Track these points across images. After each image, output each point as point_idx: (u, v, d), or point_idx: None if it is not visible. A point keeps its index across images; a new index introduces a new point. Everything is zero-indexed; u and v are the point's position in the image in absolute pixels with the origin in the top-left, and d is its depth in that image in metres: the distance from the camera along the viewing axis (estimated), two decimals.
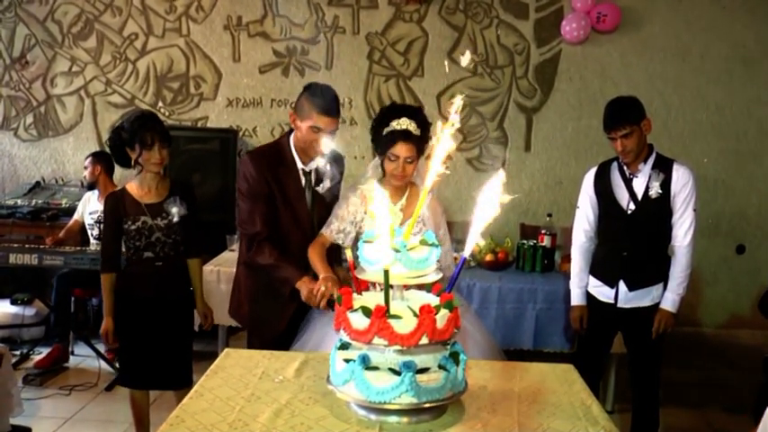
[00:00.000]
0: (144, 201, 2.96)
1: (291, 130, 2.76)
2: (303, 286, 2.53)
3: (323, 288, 2.43)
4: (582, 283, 3.20)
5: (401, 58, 5.22)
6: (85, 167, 4.49)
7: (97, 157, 4.47)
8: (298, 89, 5.39)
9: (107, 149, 3.17)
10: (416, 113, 2.58)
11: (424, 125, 2.55)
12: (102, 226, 3.54)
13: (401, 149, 2.50)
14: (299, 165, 2.72)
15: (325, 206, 2.76)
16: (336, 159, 2.82)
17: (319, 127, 2.57)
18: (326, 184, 2.74)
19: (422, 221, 2.61)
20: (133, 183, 3.01)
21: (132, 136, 2.89)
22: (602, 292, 3.14)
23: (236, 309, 2.93)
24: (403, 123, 2.51)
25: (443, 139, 1.79)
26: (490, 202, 1.77)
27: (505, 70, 5.18)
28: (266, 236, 2.64)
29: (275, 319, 2.75)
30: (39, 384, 4.05)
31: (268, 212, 2.67)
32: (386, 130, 2.53)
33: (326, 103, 2.59)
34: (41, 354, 4.36)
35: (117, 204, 2.96)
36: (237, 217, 2.75)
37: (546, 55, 5.15)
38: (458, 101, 1.79)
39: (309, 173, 2.74)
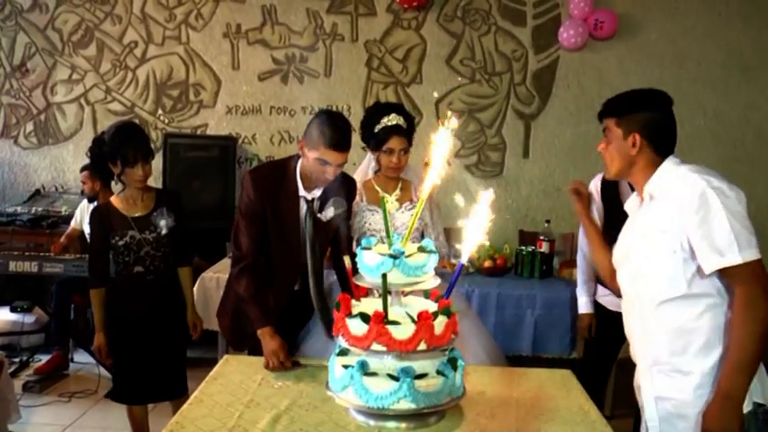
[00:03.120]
0: (130, 214, 2.87)
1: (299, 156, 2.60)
2: (264, 339, 2.41)
3: (273, 363, 2.35)
4: (589, 291, 3.20)
5: (399, 65, 5.24)
6: (83, 182, 4.42)
7: (93, 171, 4.28)
8: (297, 96, 5.41)
9: (90, 164, 3.06)
10: (402, 109, 2.86)
11: (410, 119, 2.85)
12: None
13: (395, 143, 2.76)
14: (302, 192, 2.58)
15: (327, 235, 2.66)
16: (346, 184, 2.69)
17: (326, 161, 2.41)
18: (329, 212, 2.61)
19: (417, 202, 2.80)
20: (118, 196, 2.92)
21: (114, 152, 2.78)
22: (610, 301, 3.13)
23: (220, 314, 2.87)
24: (393, 119, 2.77)
25: (439, 150, 1.84)
26: (481, 218, 1.83)
27: (503, 77, 5.20)
28: (250, 262, 2.55)
29: (248, 335, 2.66)
30: (38, 391, 4.05)
31: (260, 238, 2.57)
32: (377, 127, 2.78)
33: (337, 136, 2.41)
34: (41, 361, 4.36)
35: (103, 219, 2.86)
36: (233, 230, 2.64)
37: (544, 62, 5.17)
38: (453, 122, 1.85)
39: (311, 201, 2.60)
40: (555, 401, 2.03)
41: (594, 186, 3.17)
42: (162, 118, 5.38)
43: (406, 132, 2.79)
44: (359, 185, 2.85)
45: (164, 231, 2.89)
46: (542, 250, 4.09)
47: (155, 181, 3.01)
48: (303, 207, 2.60)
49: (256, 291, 2.52)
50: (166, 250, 2.93)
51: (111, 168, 2.85)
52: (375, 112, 2.85)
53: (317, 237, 2.61)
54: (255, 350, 2.60)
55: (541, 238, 4.15)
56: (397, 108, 2.86)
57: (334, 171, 2.47)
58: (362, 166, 3.06)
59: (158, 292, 2.94)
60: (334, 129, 2.42)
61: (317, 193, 2.60)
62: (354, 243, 2.80)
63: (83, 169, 4.47)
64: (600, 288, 3.17)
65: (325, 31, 5.24)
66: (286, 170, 2.61)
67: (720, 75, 5.07)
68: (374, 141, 2.80)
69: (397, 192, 2.87)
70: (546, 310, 3.75)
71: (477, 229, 1.83)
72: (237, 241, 2.60)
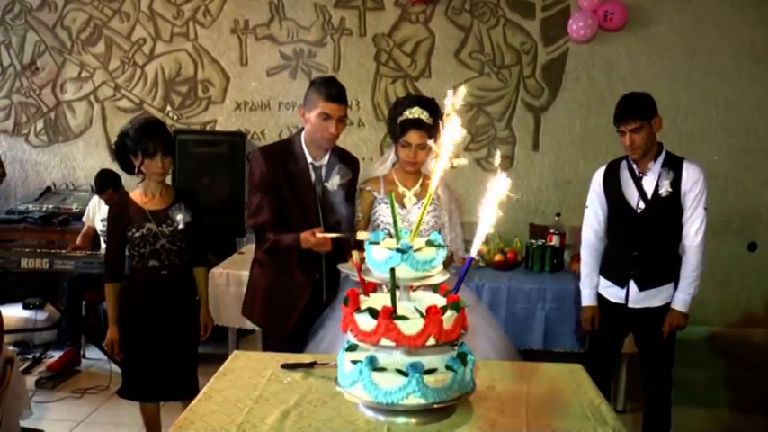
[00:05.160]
0: (148, 207, 2.94)
1: (302, 129, 2.80)
2: (307, 239, 2.61)
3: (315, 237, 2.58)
4: (592, 284, 3.18)
5: (408, 59, 5.22)
6: (108, 198, 4.22)
7: (114, 183, 4.29)
8: (305, 92, 5.41)
9: (114, 156, 3.14)
10: (429, 103, 2.81)
11: (436, 114, 2.75)
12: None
13: (413, 137, 2.73)
14: (309, 159, 2.76)
15: (334, 202, 2.77)
16: (349, 160, 2.87)
17: (327, 113, 2.64)
18: (336, 180, 2.76)
19: (437, 200, 2.84)
20: (137, 190, 3.00)
21: (135, 144, 2.87)
22: (613, 293, 3.12)
23: (250, 308, 2.96)
24: (415, 112, 2.74)
25: (448, 133, 1.81)
26: (493, 204, 1.79)
27: (512, 70, 5.17)
28: (269, 225, 2.71)
29: (284, 317, 2.79)
30: (51, 388, 4.08)
31: (277, 205, 2.71)
32: (399, 119, 2.76)
33: (331, 89, 2.67)
34: (53, 357, 4.39)
35: (121, 212, 2.93)
36: (247, 212, 2.81)
37: (553, 54, 5.13)
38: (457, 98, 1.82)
39: (319, 168, 2.78)
40: (565, 396, 2.02)
41: (597, 180, 3.16)
42: (171, 114, 5.39)
43: (429, 128, 2.71)
44: (379, 177, 2.91)
45: (180, 226, 2.93)
46: (553, 243, 4.07)
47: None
48: (313, 175, 2.77)
49: (282, 232, 2.69)
50: (182, 245, 2.96)
51: (132, 161, 2.92)
52: (400, 103, 2.84)
53: (324, 203, 2.76)
54: (286, 340, 2.70)
55: (552, 231, 4.13)
56: (423, 102, 2.80)
57: (336, 126, 2.67)
58: (385, 159, 3.02)
59: (172, 287, 2.97)
60: (330, 84, 2.70)
61: (325, 161, 2.78)
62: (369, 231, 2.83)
63: (101, 191, 4.33)
64: (602, 279, 3.16)
65: (332, 25, 5.22)
66: (292, 142, 2.81)
67: (732, 66, 5.01)
68: (394, 133, 2.80)
69: (417, 187, 2.84)
70: (557, 304, 3.74)
71: (486, 222, 1.80)
72: (254, 214, 2.74)
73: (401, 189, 2.82)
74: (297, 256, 2.67)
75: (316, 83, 2.75)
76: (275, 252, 2.74)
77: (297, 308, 2.78)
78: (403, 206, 2.80)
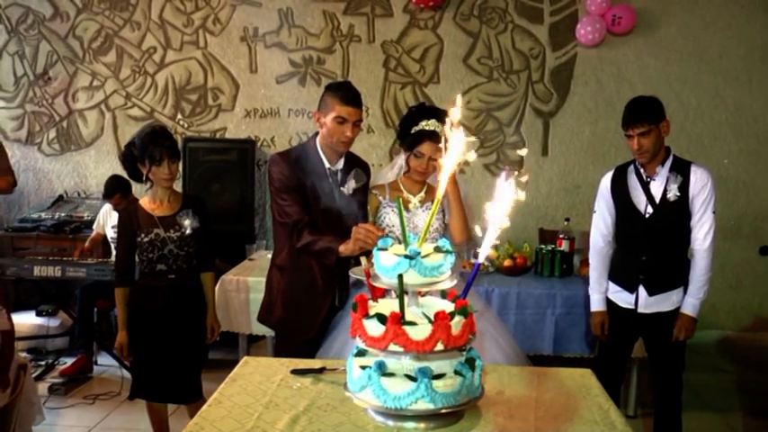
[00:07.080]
0: (156, 214, 2.99)
1: (317, 133, 2.80)
2: (347, 245, 2.50)
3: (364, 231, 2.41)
4: (601, 289, 3.17)
5: (417, 65, 5.24)
6: (116, 203, 4.33)
7: (123, 189, 4.35)
8: (315, 98, 5.46)
9: (123, 166, 3.16)
10: (444, 116, 2.74)
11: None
12: None
13: (427, 148, 2.73)
14: (326, 164, 2.76)
15: (351, 207, 2.78)
16: (362, 165, 2.88)
17: (343, 117, 2.65)
18: (351, 184, 2.77)
19: (441, 207, 2.83)
20: (146, 197, 3.06)
21: (142, 152, 2.92)
22: (622, 298, 3.11)
23: (267, 313, 2.93)
24: (432, 125, 2.74)
25: (455, 144, 1.81)
26: (501, 207, 1.79)
27: (521, 75, 5.17)
28: (306, 222, 2.66)
29: (307, 323, 2.78)
30: (63, 394, 4.11)
31: (305, 203, 2.70)
32: (414, 128, 2.76)
33: (347, 93, 2.67)
34: (66, 364, 4.42)
35: (130, 219, 2.99)
36: (275, 214, 2.75)
37: (561, 59, 5.14)
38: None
39: (335, 172, 2.78)
40: (574, 401, 2.01)
41: (604, 184, 3.15)
42: (181, 122, 5.43)
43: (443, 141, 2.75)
44: (385, 184, 2.92)
45: (188, 231, 2.97)
46: (562, 248, 4.05)
47: (175, 185, 3.08)
48: (330, 178, 2.77)
49: (319, 233, 2.63)
50: (190, 251, 3.00)
51: (140, 169, 2.96)
52: (416, 113, 2.83)
53: (342, 207, 2.75)
54: (301, 346, 2.66)
55: (561, 236, 4.11)
56: (440, 114, 2.78)
57: (352, 129, 2.67)
58: (392, 166, 3.05)
59: (179, 291, 3.01)
60: (346, 88, 2.71)
61: (340, 165, 2.79)
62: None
63: (109, 196, 4.39)
64: (611, 285, 3.14)
65: (341, 32, 5.26)
66: (308, 147, 2.81)
67: (742, 68, 5.00)
68: (407, 142, 2.80)
69: (422, 194, 2.86)
70: (566, 309, 3.71)
71: (495, 226, 1.81)
72: (285, 214, 2.69)
73: (406, 195, 2.84)
74: (335, 260, 2.59)
75: (331, 87, 2.76)
76: (311, 251, 2.67)
77: (319, 316, 2.77)
78: (408, 210, 2.82)
